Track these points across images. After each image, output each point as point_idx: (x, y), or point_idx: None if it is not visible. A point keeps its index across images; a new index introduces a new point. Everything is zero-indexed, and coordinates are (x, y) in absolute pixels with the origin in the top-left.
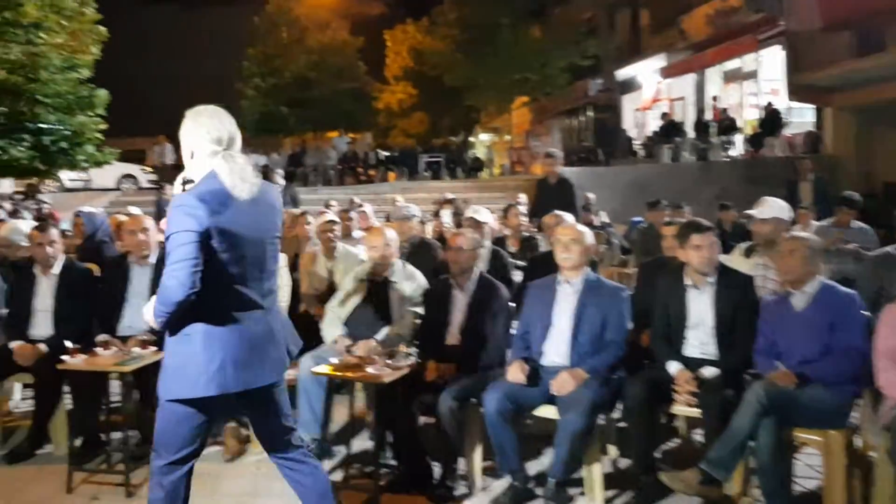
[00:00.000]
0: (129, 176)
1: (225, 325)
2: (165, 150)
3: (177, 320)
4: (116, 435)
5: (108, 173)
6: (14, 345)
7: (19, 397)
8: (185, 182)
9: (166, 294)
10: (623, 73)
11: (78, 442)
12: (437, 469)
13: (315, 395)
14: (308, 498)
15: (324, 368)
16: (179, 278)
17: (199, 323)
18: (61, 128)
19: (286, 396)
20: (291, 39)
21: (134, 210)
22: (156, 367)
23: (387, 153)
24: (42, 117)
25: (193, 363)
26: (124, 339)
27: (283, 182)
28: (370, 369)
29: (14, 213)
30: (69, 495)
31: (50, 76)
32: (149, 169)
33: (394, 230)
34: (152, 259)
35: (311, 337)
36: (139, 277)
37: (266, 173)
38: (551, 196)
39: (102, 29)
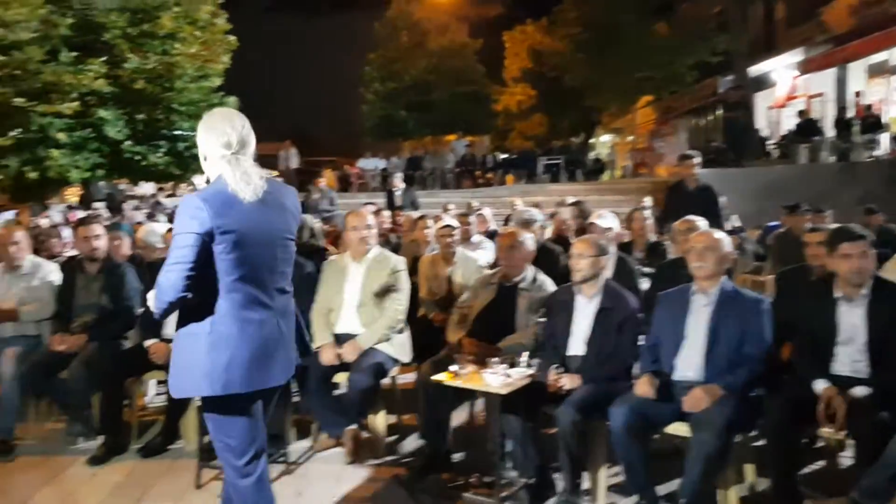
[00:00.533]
0: None
1: (232, 324)
2: (290, 154)
3: (185, 318)
4: None
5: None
6: (149, 343)
7: (154, 393)
8: (207, 182)
9: (160, 292)
10: (756, 70)
11: (207, 439)
12: (559, 483)
13: (436, 401)
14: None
15: (444, 376)
16: (171, 280)
17: (207, 322)
18: (194, 134)
19: (273, 407)
20: (411, 43)
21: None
22: None
23: (505, 156)
24: (177, 124)
25: (200, 363)
26: None
27: (402, 185)
28: (490, 379)
29: (151, 216)
30: (197, 490)
31: (184, 85)
32: (274, 173)
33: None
34: None
35: (430, 342)
36: None
37: (385, 177)
38: (689, 202)
39: (232, 38)
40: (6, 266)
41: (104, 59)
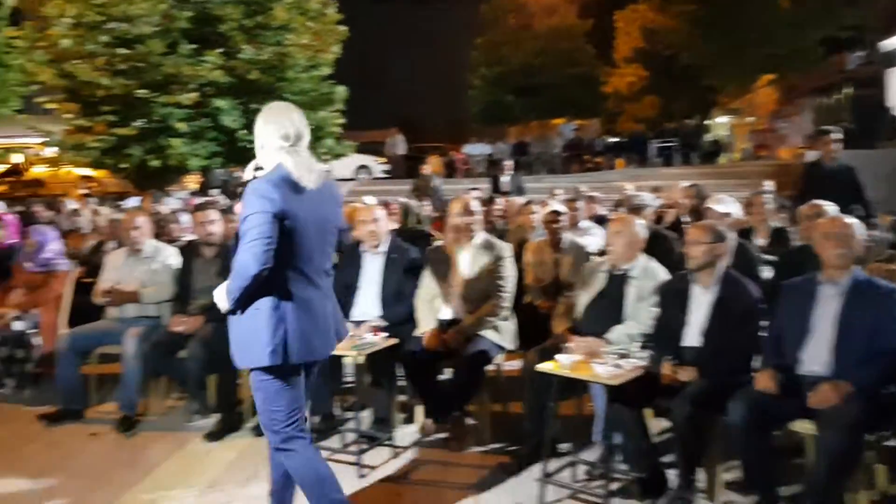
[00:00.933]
0: (363, 167)
1: (289, 301)
2: (397, 141)
3: (247, 296)
4: (350, 415)
5: (346, 164)
6: None
7: None
8: (256, 169)
9: (242, 268)
10: (888, 44)
11: (316, 420)
12: (673, 478)
13: (541, 391)
14: (278, 471)
15: (550, 366)
16: (255, 253)
17: (268, 299)
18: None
19: (314, 378)
20: (518, 26)
21: (369, 200)
22: (386, 352)
23: (615, 139)
24: None
25: (259, 336)
26: (357, 325)
27: (510, 171)
28: (599, 370)
29: None
30: None
31: (296, 75)
32: (382, 160)
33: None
34: (383, 248)
35: (536, 330)
36: (371, 265)
37: (491, 162)
38: (827, 183)
39: (343, 28)
40: (129, 250)
41: (220, 50)
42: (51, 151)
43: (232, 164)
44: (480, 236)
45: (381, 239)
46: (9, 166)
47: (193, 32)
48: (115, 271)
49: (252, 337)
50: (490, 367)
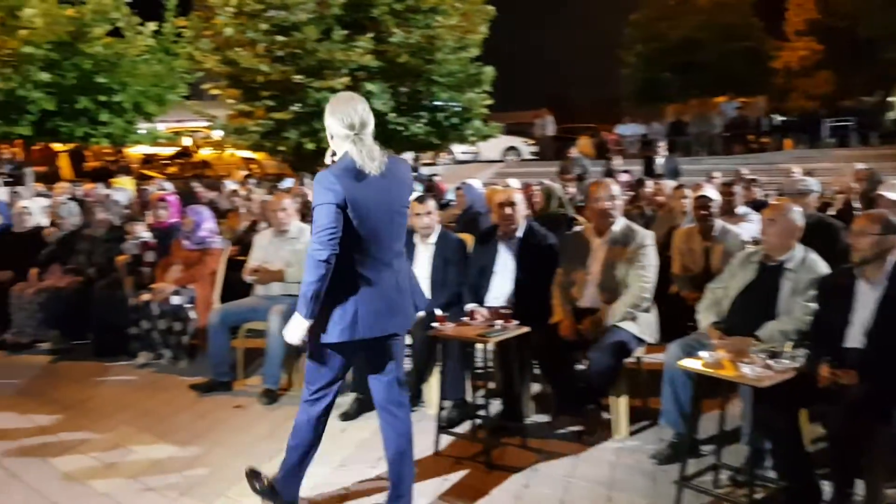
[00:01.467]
0: (512, 148)
1: (358, 281)
2: (546, 122)
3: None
4: (482, 402)
5: (494, 146)
6: None
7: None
8: (332, 155)
9: (315, 254)
10: None
11: (448, 405)
12: (827, 491)
13: (682, 388)
14: (391, 447)
15: (693, 363)
16: (322, 242)
17: (339, 280)
18: (453, 104)
19: (402, 350)
20: (678, 1)
21: (512, 182)
22: (518, 340)
23: (783, 118)
24: (437, 95)
25: (331, 314)
26: (491, 310)
27: (665, 153)
28: (746, 370)
29: None
30: (436, 456)
31: (444, 57)
32: (530, 141)
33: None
34: (519, 233)
35: (680, 322)
36: (506, 251)
37: (645, 143)
38: None
39: (490, 8)
40: (275, 230)
41: (371, 35)
42: (216, 135)
43: (383, 146)
44: (621, 222)
45: (515, 224)
46: (179, 149)
47: (346, 18)
48: (262, 251)
49: (325, 315)
50: (629, 360)
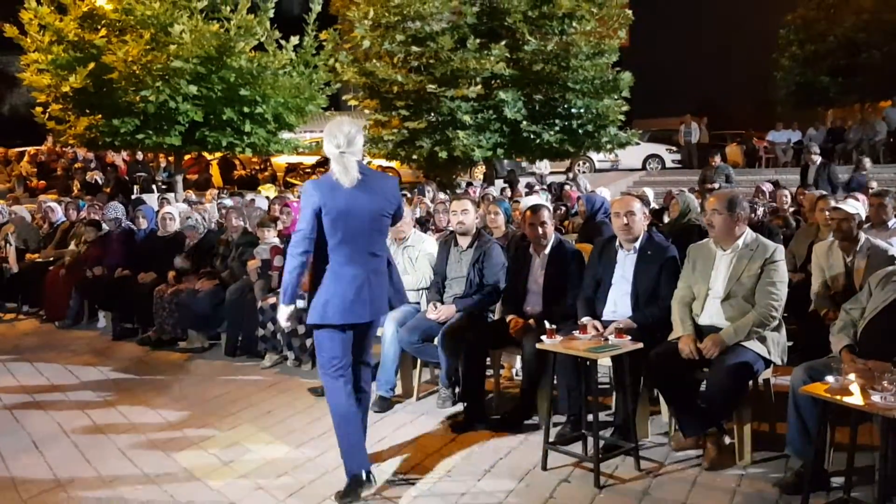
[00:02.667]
0: (654, 156)
1: (332, 274)
2: (692, 128)
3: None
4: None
5: (635, 154)
6: (510, 318)
7: (519, 365)
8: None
9: (290, 248)
10: None
11: (556, 419)
12: None
13: (810, 414)
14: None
15: (818, 387)
16: (295, 240)
17: (321, 272)
18: (588, 112)
19: (367, 341)
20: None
21: (648, 192)
22: (633, 357)
23: None
24: (571, 103)
25: (314, 301)
26: (607, 324)
27: (818, 160)
28: (877, 398)
29: (529, 191)
30: (543, 472)
31: (579, 63)
32: (673, 149)
33: None
34: (638, 244)
35: (818, 342)
36: (624, 262)
37: (798, 151)
38: None
39: (629, 13)
40: (393, 237)
41: (505, 43)
42: None
43: (516, 154)
44: (748, 235)
45: (633, 234)
46: (319, 158)
47: (480, 27)
48: None
49: (313, 302)
50: (754, 382)
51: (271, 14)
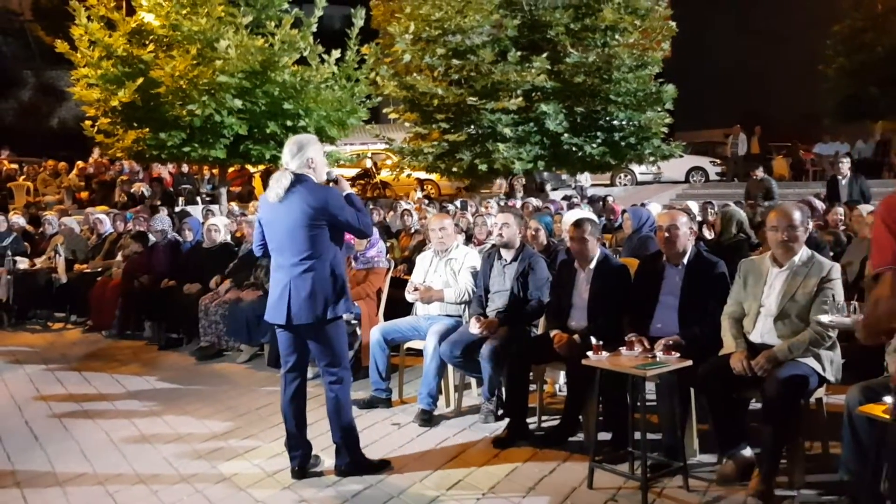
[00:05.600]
0: (697, 168)
1: (272, 278)
2: (739, 140)
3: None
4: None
5: (678, 166)
6: (553, 333)
7: (562, 381)
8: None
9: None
10: None
11: (607, 436)
12: None
13: (865, 435)
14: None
15: (874, 408)
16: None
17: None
18: (630, 125)
19: (325, 346)
20: (886, 9)
21: (692, 205)
22: (681, 374)
23: None
24: (613, 115)
25: None
26: (653, 340)
27: (847, 172)
28: None
29: (571, 205)
30: (589, 490)
31: (622, 76)
32: (717, 161)
33: None
34: (686, 259)
35: (873, 361)
36: (672, 277)
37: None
38: None
39: (672, 24)
40: (436, 250)
41: (546, 55)
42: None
43: (554, 166)
44: (804, 252)
45: (681, 248)
46: (360, 170)
47: (522, 39)
48: (423, 270)
49: None
50: (807, 400)
51: (314, 28)
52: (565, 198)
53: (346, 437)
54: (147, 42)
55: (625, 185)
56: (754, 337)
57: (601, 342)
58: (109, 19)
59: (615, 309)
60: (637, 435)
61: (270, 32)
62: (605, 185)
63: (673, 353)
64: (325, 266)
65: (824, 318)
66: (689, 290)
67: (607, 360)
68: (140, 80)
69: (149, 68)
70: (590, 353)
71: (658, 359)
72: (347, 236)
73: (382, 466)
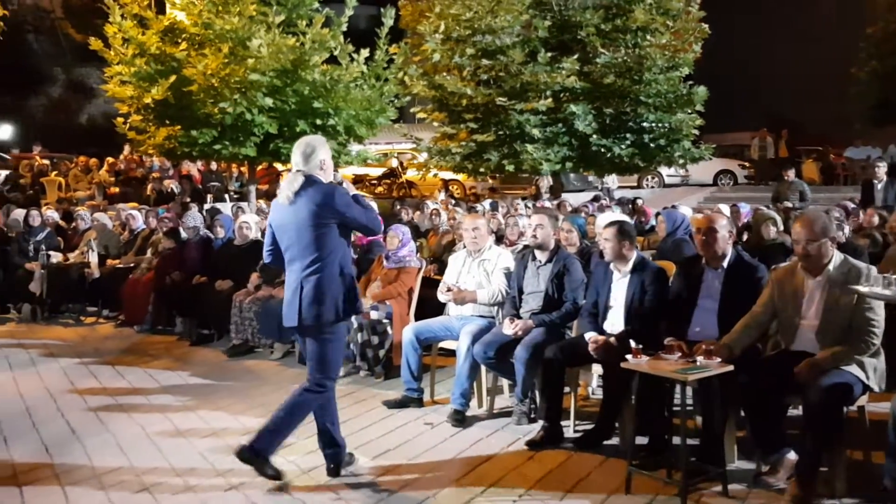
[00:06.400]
0: (726, 171)
1: (286, 280)
2: (767, 143)
3: None
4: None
5: (706, 169)
6: (590, 336)
7: (595, 384)
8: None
9: None
10: None
11: (643, 441)
12: None
13: None
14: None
15: None
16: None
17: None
18: (660, 126)
19: (320, 350)
20: None
21: (723, 207)
22: (721, 379)
23: None
24: (643, 116)
25: None
26: (691, 344)
27: (883, 176)
28: None
29: (601, 207)
30: (626, 496)
31: (652, 77)
32: (746, 164)
33: None
34: (725, 263)
35: None
36: (711, 281)
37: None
38: None
39: (705, 26)
40: (469, 250)
41: (576, 56)
42: (422, 157)
43: (583, 168)
44: (837, 258)
45: (719, 251)
46: (386, 169)
47: (552, 40)
48: (456, 271)
49: None
50: (850, 408)
51: (344, 28)
52: (595, 199)
53: (276, 430)
54: (179, 40)
55: (652, 187)
56: (796, 346)
57: (640, 346)
58: (142, 17)
59: (653, 312)
60: (676, 440)
61: (302, 31)
62: (632, 188)
63: (714, 357)
64: (335, 265)
65: (863, 289)
66: (728, 294)
67: (647, 363)
68: (173, 78)
69: (181, 66)
70: (629, 357)
71: (700, 363)
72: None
73: (277, 476)
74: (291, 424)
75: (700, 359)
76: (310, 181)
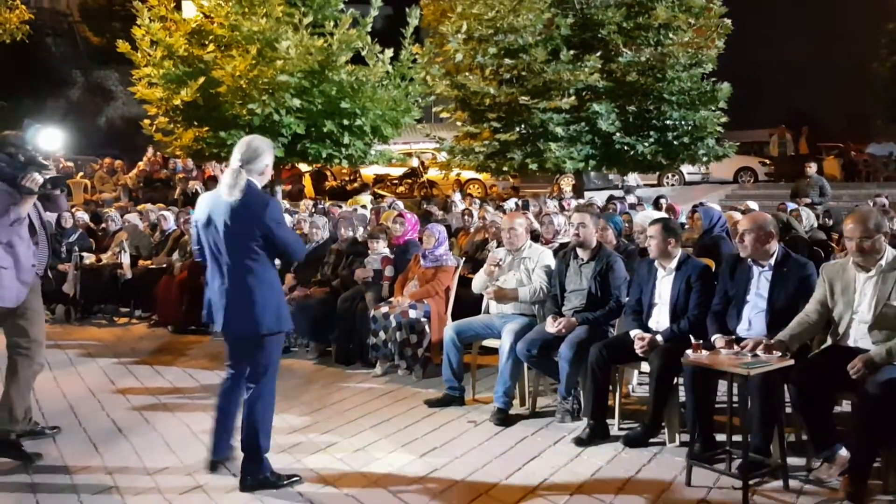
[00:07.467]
0: (746, 169)
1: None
2: (787, 140)
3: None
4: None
5: (726, 166)
6: (635, 333)
7: (636, 382)
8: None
9: None
10: None
11: (694, 436)
12: None
13: None
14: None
15: None
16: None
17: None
18: (683, 124)
19: (251, 353)
20: None
21: (752, 205)
22: (777, 374)
23: None
24: (666, 114)
25: None
26: (739, 341)
27: None
28: None
29: (632, 205)
30: (688, 488)
31: (675, 74)
32: (767, 161)
33: None
34: (773, 260)
35: None
36: (759, 278)
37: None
38: None
39: (727, 22)
40: (509, 249)
41: (599, 54)
42: (443, 157)
43: (605, 166)
44: (889, 253)
45: (764, 248)
46: (408, 169)
47: (574, 38)
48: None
49: None
50: None
51: (369, 28)
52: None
53: (252, 448)
54: (206, 42)
55: (672, 185)
56: (850, 342)
57: (700, 340)
58: (169, 19)
59: (700, 309)
60: (733, 435)
61: (329, 32)
62: (653, 185)
63: (773, 351)
64: (269, 273)
65: None
66: (777, 291)
67: (707, 358)
68: (202, 80)
69: (210, 68)
70: (689, 352)
71: (761, 358)
72: (413, 232)
73: (290, 478)
74: (263, 430)
75: (761, 353)
76: (250, 185)
